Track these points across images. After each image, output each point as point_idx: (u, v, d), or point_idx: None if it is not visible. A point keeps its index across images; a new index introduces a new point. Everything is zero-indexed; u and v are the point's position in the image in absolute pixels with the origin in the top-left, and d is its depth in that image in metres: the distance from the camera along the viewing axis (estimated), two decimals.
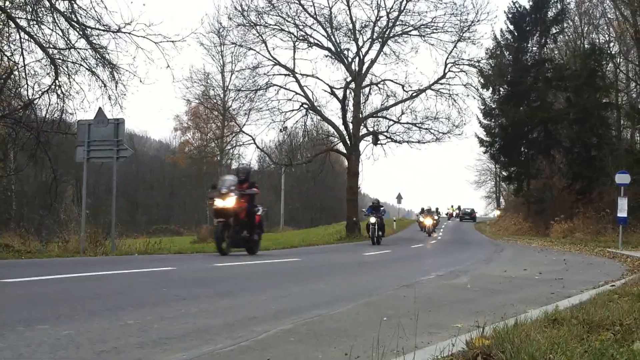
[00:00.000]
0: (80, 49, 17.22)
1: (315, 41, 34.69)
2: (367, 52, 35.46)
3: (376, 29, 34.81)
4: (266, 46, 33.69)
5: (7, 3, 16.31)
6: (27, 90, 17.31)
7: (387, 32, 34.77)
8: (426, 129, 35.51)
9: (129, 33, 16.58)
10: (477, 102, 41.41)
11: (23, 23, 16.52)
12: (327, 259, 14.67)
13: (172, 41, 17.19)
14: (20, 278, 6.93)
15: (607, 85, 35.72)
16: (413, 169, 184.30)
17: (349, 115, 35.26)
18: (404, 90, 35.42)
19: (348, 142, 35.00)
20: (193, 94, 42.92)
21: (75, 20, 16.72)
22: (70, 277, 7.37)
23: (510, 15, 40.40)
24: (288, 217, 59.62)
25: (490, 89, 39.84)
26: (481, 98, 39.54)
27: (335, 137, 37.49)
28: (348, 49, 35.58)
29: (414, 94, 35.31)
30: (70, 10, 16.64)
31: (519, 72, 39.21)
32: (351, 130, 35.00)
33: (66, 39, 17.04)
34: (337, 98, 35.44)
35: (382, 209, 26.22)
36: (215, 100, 45.48)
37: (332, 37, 34.52)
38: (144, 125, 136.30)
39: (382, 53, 35.26)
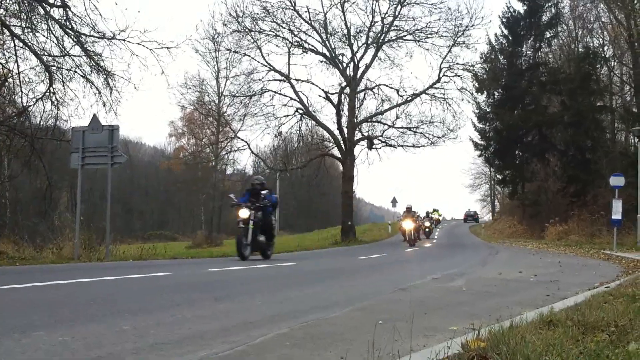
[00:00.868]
0: (74, 56, 17.26)
1: (310, 47, 34.83)
2: (361, 57, 35.64)
3: (371, 34, 34.99)
4: (261, 52, 33.84)
5: (2, 11, 16.32)
6: (22, 98, 17.34)
7: (381, 37, 34.91)
8: (421, 133, 35.71)
9: (124, 40, 16.63)
10: (472, 106, 41.65)
11: (17, 31, 16.55)
12: (322, 263, 14.67)
13: (167, 48, 17.26)
14: (14, 285, 6.91)
15: (601, 89, 35.84)
16: (408, 173, 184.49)
17: (344, 120, 35.36)
18: (398, 94, 35.60)
19: (343, 146, 35.07)
20: (188, 100, 43.07)
21: (70, 27, 16.74)
22: (64, 284, 7.36)
23: (504, 20, 40.53)
24: (283, 221, 59.54)
25: (485, 93, 39.98)
26: (476, 102, 39.72)
27: (330, 142, 37.61)
28: (343, 54, 35.76)
29: (409, 99, 35.47)
30: (64, 18, 16.67)
31: (514, 76, 39.31)
32: (346, 135, 35.08)
33: (61, 46, 17.07)
34: (332, 103, 35.55)
35: (265, 192, 15.19)
36: (210, 106, 45.55)
37: (326, 42, 34.66)
38: (139, 132, 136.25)
39: (376, 58, 35.44)
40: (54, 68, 17.16)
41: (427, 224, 35.12)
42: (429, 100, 35.55)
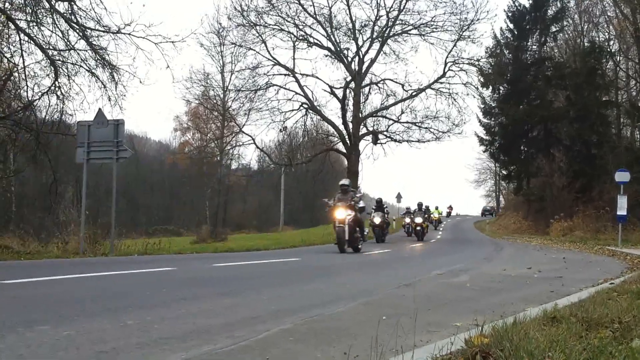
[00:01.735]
0: (80, 50, 17.27)
1: (315, 41, 34.75)
2: (366, 52, 35.53)
3: (376, 28, 34.88)
4: (266, 46, 33.76)
5: (7, 4, 16.33)
6: (27, 92, 17.36)
7: (386, 32, 34.80)
8: (426, 128, 35.59)
9: (129, 34, 16.63)
10: (477, 100, 41.50)
11: (23, 24, 16.56)
12: (326, 258, 14.67)
13: (172, 42, 17.25)
14: (19, 279, 6.94)
15: (607, 84, 35.72)
16: (413, 168, 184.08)
17: (349, 115, 35.32)
18: (403, 89, 35.49)
19: (348, 141, 35.02)
20: (193, 94, 43.02)
21: (75, 21, 16.74)
22: (69, 278, 7.38)
23: (510, 14, 40.42)
24: (288, 217, 59.62)
25: (490, 87, 39.88)
26: (481, 97, 39.66)
27: (335, 137, 37.55)
28: (348, 49, 35.65)
29: (414, 93, 35.36)
30: (69, 12, 16.68)
31: (519, 70, 39.20)
32: (351, 130, 35.02)
33: (66, 40, 17.09)
34: (337, 98, 35.48)
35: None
36: (215, 101, 45.56)
37: (331, 36, 34.56)
38: (144, 126, 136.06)
39: (381, 52, 35.32)
40: (60, 62, 17.18)
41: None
42: (434, 95, 35.46)
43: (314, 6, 33.58)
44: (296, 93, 34.58)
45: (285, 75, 34.40)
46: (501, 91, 41.03)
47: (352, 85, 35.20)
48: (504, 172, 46.91)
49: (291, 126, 36.63)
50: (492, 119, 42.07)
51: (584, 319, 4.10)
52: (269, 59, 34.03)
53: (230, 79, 43.38)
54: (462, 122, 35.69)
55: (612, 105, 36.13)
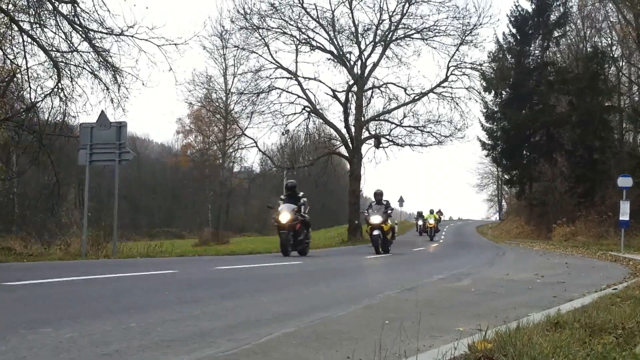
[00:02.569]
0: (83, 52, 17.30)
1: (318, 44, 34.80)
2: (369, 56, 35.58)
3: (378, 32, 34.94)
4: (268, 49, 33.83)
5: (10, 6, 16.35)
6: (30, 93, 17.38)
7: (389, 36, 34.85)
8: (428, 132, 35.62)
9: (132, 36, 16.66)
10: (480, 105, 41.61)
11: (26, 26, 16.59)
12: (329, 262, 14.66)
13: (175, 44, 17.26)
14: (22, 281, 6.94)
15: (609, 89, 35.73)
16: (415, 173, 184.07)
17: (351, 119, 35.33)
18: (406, 93, 35.52)
19: (350, 145, 35.04)
20: (195, 97, 43.17)
21: (78, 23, 16.77)
22: (72, 280, 7.38)
23: (512, 19, 40.44)
24: None
25: (493, 92, 39.89)
26: (483, 101, 39.65)
27: (337, 140, 37.59)
28: (350, 52, 35.71)
29: (416, 97, 35.39)
30: (73, 14, 16.71)
31: (521, 75, 39.22)
32: (353, 134, 35.04)
33: (69, 42, 17.12)
34: (339, 101, 35.51)
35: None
36: (217, 103, 45.66)
37: (334, 40, 34.62)
38: (146, 128, 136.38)
39: (384, 56, 35.37)
40: (62, 64, 17.21)
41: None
42: (436, 99, 35.49)
43: (316, 10, 33.67)
44: (298, 96, 34.65)
45: (287, 78, 34.46)
46: (503, 96, 41.04)
47: (355, 88, 35.23)
48: (506, 176, 46.93)
49: (293, 129, 36.70)
50: (495, 123, 42.07)
51: (587, 325, 4.09)
52: (271, 62, 34.13)
53: (232, 82, 43.53)
54: (464, 127, 35.74)
55: (615, 110, 36.13)
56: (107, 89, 17.50)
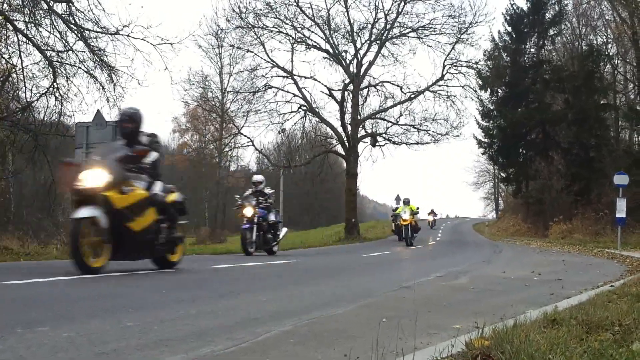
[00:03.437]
0: (78, 51, 17.27)
1: (314, 43, 34.78)
2: (365, 54, 35.58)
3: (374, 30, 34.92)
4: (264, 48, 33.80)
5: (5, 5, 16.32)
6: (25, 93, 17.35)
7: (385, 34, 34.84)
8: (424, 130, 35.66)
9: (127, 35, 16.63)
10: (475, 103, 41.58)
11: (21, 25, 16.54)
12: (326, 260, 14.67)
13: (170, 43, 17.24)
14: (19, 280, 6.92)
15: (605, 87, 35.80)
16: (412, 171, 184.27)
17: (347, 117, 35.35)
18: (402, 91, 35.55)
19: (346, 143, 35.04)
20: (191, 96, 43.22)
21: (73, 22, 16.74)
22: (69, 280, 7.36)
23: (508, 17, 40.44)
24: (287, 218, 59.43)
25: (489, 90, 39.90)
26: (479, 99, 39.68)
27: (333, 139, 37.58)
28: (346, 51, 35.70)
29: (412, 96, 35.40)
30: (68, 13, 16.68)
31: (517, 73, 39.22)
32: (349, 132, 35.05)
33: (64, 41, 17.09)
34: (336, 100, 35.51)
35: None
36: (213, 102, 45.68)
37: (330, 39, 34.59)
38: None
39: (380, 55, 35.38)
40: (58, 63, 17.17)
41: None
42: (432, 97, 35.53)
43: (312, 8, 33.64)
44: (295, 95, 34.63)
45: (283, 77, 34.44)
46: (499, 94, 41.05)
47: (351, 87, 35.23)
48: (503, 174, 46.95)
49: (290, 128, 36.75)
50: (491, 121, 42.08)
51: (584, 322, 4.10)
52: (267, 61, 34.10)
53: (228, 81, 43.56)
54: (460, 125, 35.80)
55: (610, 108, 36.17)
56: (103, 88, 17.49)
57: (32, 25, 16.62)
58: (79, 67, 17.40)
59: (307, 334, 4.13)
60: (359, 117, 35.54)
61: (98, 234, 7.37)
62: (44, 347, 3.29)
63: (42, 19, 16.80)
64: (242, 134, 37.54)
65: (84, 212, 7.24)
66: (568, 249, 22.18)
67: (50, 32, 16.77)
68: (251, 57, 35.07)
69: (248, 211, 15.34)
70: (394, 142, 36.07)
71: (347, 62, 35.48)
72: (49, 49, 16.95)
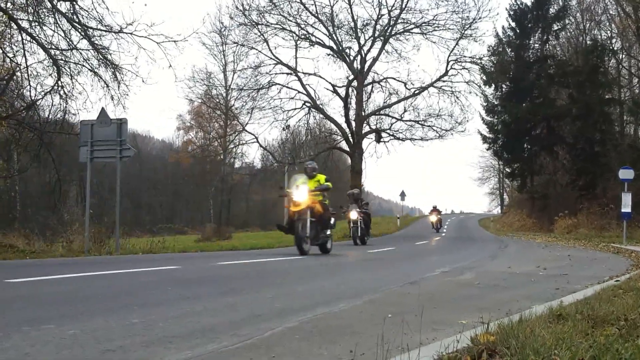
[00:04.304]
0: (82, 49, 17.28)
1: (317, 40, 34.75)
2: (369, 50, 35.53)
3: (378, 27, 34.87)
4: (268, 45, 33.78)
5: (9, 4, 16.34)
6: (30, 91, 17.38)
7: (388, 30, 34.79)
8: (429, 126, 35.59)
9: (131, 33, 16.64)
10: (480, 99, 41.57)
11: (25, 24, 16.57)
12: (330, 257, 14.65)
13: (174, 41, 17.24)
14: (24, 278, 6.94)
15: (609, 81, 35.70)
16: (416, 167, 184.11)
17: (352, 113, 35.29)
18: (406, 87, 35.50)
19: (351, 140, 35.02)
20: (195, 93, 43.12)
21: (77, 21, 16.76)
22: (74, 277, 7.39)
23: (512, 12, 40.35)
24: None
25: (493, 85, 39.84)
26: (483, 95, 39.61)
27: (338, 135, 37.56)
28: (350, 48, 35.65)
29: (416, 92, 35.36)
30: (71, 12, 16.70)
31: (521, 68, 39.14)
32: (354, 128, 35.01)
33: (68, 40, 17.11)
34: (340, 96, 35.47)
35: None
36: (217, 100, 45.61)
37: (333, 35, 34.56)
38: (147, 125, 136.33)
39: (384, 51, 35.32)
40: (62, 62, 17.20)
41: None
42: (436, 93, 35.47)
43: (315, 5, 33.61)
44: (299, 92, 34.62)
45: (287, 74, 34.43)
46: (504, 89, 40.97)
47: (355, 83, 35.18)
48: (508, 169, 46.89)
49: (294, 125, 36.68)
50: (495, 117, 42.01)
51: (589, 317, 4.09)
52: (271, 58, 34.08)
53: (232, 78, 43.35)
54: (465, 120, 35.74)
55: (615, 103, 36.10)
56: (107, 86, 17.50)
57: (36, 24, 16.66)
58: (83, 66, 17.43)
59: (312, 330, 4.13)
60: (363, 113, 35.51)
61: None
62: (49, 345, 3.30)
63: (46, 17, 16.84)
64: (246, 130, 37.63)
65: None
66: (573, 244, 22.13)
67: (54, 31, 16.81)
68: (255, 54, 35.14)
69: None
70: (398, 138, 36.04)
71: (351, 58, 35.45)
72: (53, 47, 16.99)
